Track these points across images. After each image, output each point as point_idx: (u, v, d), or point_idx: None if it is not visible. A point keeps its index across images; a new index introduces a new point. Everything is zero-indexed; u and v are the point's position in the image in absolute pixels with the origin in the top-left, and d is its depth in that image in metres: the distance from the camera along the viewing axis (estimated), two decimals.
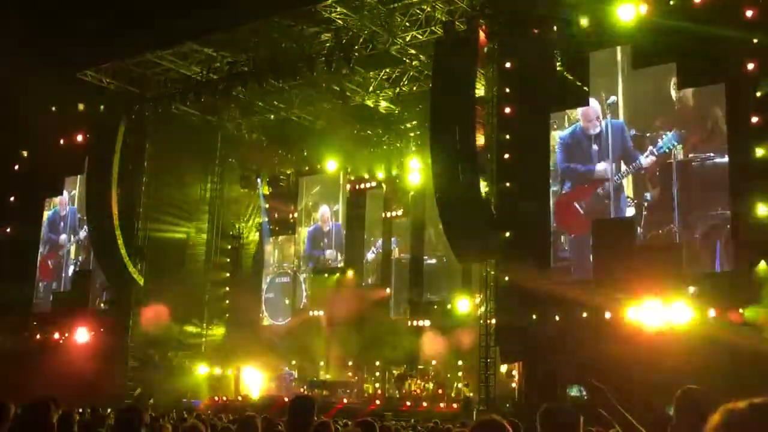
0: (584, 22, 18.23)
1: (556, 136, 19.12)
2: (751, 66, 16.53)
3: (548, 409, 3.78)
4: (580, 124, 18.86)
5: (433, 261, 23.29)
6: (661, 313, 16.09)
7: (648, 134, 17.98)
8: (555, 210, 18.93)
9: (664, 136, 17.62)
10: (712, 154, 17.17)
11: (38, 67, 21.41)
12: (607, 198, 18.24)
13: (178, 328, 25.16)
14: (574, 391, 17.37)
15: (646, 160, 17.78)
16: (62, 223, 28.70)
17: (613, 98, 18.54)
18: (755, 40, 16.11)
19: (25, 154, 28.00)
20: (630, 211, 18.02)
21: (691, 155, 17.49)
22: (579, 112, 18.87)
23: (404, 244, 24.27)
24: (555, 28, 18.83)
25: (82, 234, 27.42)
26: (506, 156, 19.47)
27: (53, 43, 21.52)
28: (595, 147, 18.56)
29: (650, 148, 17.77)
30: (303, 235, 26.42)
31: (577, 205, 18.73)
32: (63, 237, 28.58)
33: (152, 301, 23.98)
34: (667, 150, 17.51)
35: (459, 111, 17.92)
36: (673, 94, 17.77)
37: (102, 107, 24.56)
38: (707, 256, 17.02)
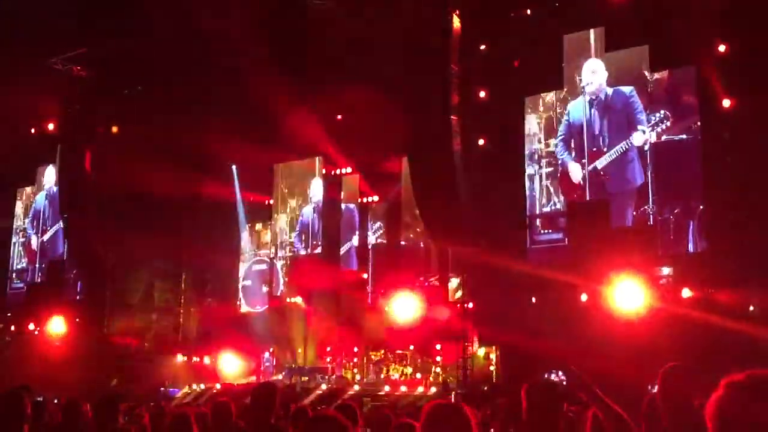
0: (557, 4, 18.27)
1: (568, 107, 19.12)
2: (722, 48, 16.64)
3: (533, 385, 3.81)
4: (585, 96, 18.85)
5: (411, 246, 23.26)
6: (637, 295, 16.21)
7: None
8: (560, 180, 19.02)
9: (656, 114, 17.60)
10: (684, 136, 17.29)
11: (7, 56, 21.09)
12: (607, 174, 18.30)
13: (155, 318, 25.01)
14: (552, 377, 17.48)
15: (637, 139, 17.80)
16: (36, 213, 28.40)
17: (587, 80, 18.60)
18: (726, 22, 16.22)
19: None
20: (640, 179, 17.94)
21: (664, 137, 17.59)
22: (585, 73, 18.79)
23: (381, 228, 24.23)
24: (528, 11, 18.84)
25: (56, 224, 27.17)
26: (481, 140, 19.51)
27: (22, 31, 21.17)
28: (595, 117, 18.53)
29: (641, 126, 17.79)
30: (279, 222, 26.31)
31: (574, 177, 18.74)
32: (34, 227, 28.30)
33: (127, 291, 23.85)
34: (659, 130, 17.55)
35: (434, 94, 17.86)
36: (647, 75, 17.85)
37: (73, 95, 24.25)
38: (681, 238, 17.17)
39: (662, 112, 17.48)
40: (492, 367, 19.18)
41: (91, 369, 22.51)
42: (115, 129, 24.21)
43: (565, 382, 16.05)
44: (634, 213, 17.79)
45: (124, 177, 23.07)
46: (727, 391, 2.10)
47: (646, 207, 17.61)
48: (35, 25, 20.84)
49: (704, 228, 16.77)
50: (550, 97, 19.39)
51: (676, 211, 17.20)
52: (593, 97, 18.69)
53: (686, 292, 16.14)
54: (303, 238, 25.76)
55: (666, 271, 17.44)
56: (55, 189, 27.16)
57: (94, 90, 23.79)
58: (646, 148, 17.77)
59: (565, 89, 19.12)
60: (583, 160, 18.68)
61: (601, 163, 18.30)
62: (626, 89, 18.23)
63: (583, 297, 17.26)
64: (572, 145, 19.01)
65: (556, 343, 16.69)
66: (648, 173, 17.65)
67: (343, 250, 24.72)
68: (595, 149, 18.49)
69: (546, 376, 17.51)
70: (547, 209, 19.28)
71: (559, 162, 19.20)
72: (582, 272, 17.19)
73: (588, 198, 18.57)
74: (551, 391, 3.91)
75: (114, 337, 24.37)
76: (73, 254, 25.40)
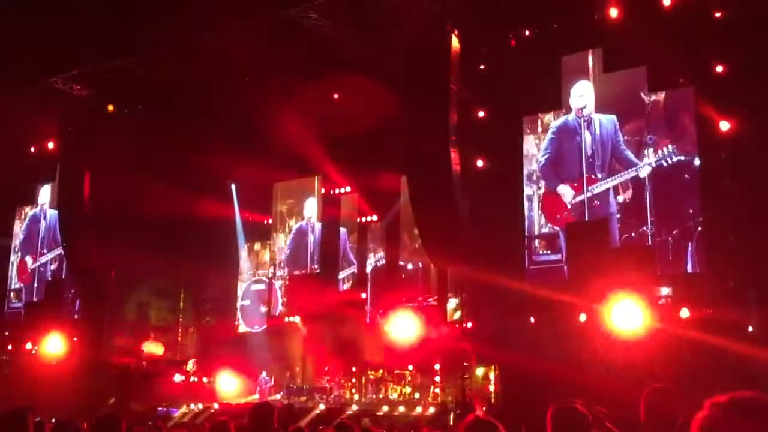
0: (556, 25, 18.42)
1: (550, 126, 19.25)
2: (719, 68, 16.77)
3: (559, 409, 3.80)
4: (572, 116, 18.98)
5: (409, 266, 23.32)
6: (636, 314, 16.25)
7: (634, 139, 18.12)
8: (543, 202, 19.09)
9: (664, 149, 17.65)
10: (683, 158, 17.40)
11: (6, 75, 21.23)
12: (597, 199, 18.39)
13: (152, 336, 25.01)
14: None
15: (643, 170, 17.87)
16: (36, 232, 28.47)
17: (585, 102, 18.73)
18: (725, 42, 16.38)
19: None
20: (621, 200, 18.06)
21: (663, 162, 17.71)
22: (574, 96, 18.94)
23: (379, 248, 24.28)
24: (527, 32, 19.01)
25: (54, 243, 27.22)
26: (479, 162, 19.62)
27: (20, 50, 21.30)
28: (588, 141, 18.66)
29: (647, 158, 17.82)
30: (278, 242, 26.36)
31: (565, 200, 18.86)
32: (31, 246, 28.35)
33: (125, 310, 23.85)
34: (664, 163, 17.62)
35: (433, 113, 17.96)
36: (644, 97, 17.99)
37: (72, 114, 24.35)
38: (680, 258, 17.24)
39: (670, 146, 17.54)
40: (491, 387, 19.18)
41: (89, 388, 22.50)
42: (114, 148, 24.29)
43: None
44: (630, 234, 17.85)
45: (123, 195, 23.18)
46: (710, 411, 2.23)
47: (644, 228, 17.69)
48: (35, 44, 20.99)
49: (703, 248, 16.85)
50: (548, 117, 19.51)
51: (674, 231, 17.28)
52: (584, 120, 18.82)
53: (685, 312, 16.19)
54: (302, 257, 25.79)
55: (665, 291, 17.49)
56: (51, 209, 27.21)
57: (93, 109, 23.90)
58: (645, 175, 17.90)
59: (563, 110, 19.24)
60: (575, 184, 18.77)
61: (597, 189, 18.40)
62: (612, 117, 18.39)
63: (582, 317, 17.29)
64: (560, 166, 19.15)
65: (554, 362, 16.73)
66: (647, 194, 17.74)
67: (342, 275, 24.78)
68: (588, 174, 18.58)
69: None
70: (545, 230, 19.35)
71: (545, 182, 19.32)
72: (580, 292, 17.24)
73: (578, 220, 18.66)
74: (580, 418, 3.91)
75: (112, 356, 24.35)
76: (72, 273, 25.40)
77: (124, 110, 24.10)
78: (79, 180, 23.40)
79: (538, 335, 17.69)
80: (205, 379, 24.56)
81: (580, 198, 18.61)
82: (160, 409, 22.66)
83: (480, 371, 19.56)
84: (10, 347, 26.64)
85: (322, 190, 25.58)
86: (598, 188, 18.40)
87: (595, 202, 18.42)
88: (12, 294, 28.58)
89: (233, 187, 27.02)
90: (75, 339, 24.91)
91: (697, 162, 17.24)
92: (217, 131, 23.18)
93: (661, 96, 17.85)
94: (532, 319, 18.21)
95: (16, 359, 25.64)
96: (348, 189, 24.82)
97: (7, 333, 27.31)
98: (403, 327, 19.93)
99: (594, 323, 16.86)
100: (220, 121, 23.38)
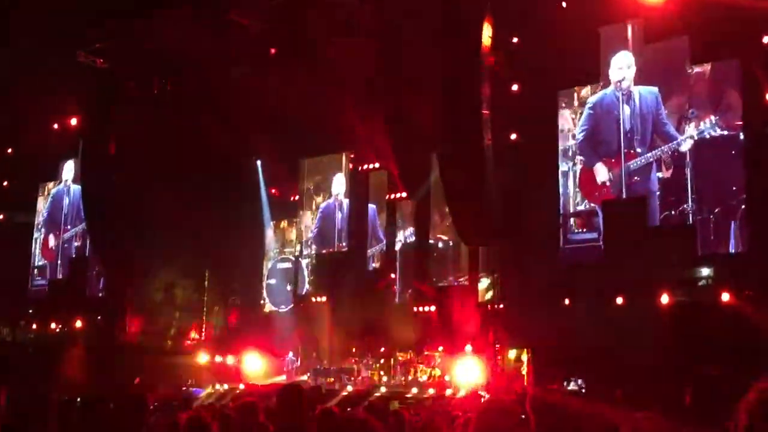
0: None
1: (587, 100, 19.03)
2: (767, 40, 16.42)
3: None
4: (610, 90, 18.73)
5: (440, 244, 23.22)
6: (674, 298, 16.07)
7: (676, 113, 17.85)
8: (580, 178, 18.92)
9: (707, 120, 17.38)
10: (726, 132, 17.09)
11: (31, 49, 21.35)
12: (637, 175, 18.17)
13: (178, 316, 25.20)
14: (572, 385, 17.46)
15: (685, 144, 17.60)
16: (59, 209, 28.75)
17: (625, 74, 18.46)
18: None
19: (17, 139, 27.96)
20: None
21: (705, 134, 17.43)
22: (614, 68, 18.67)
23: (409, 226, 24.18)
24: (564, 3, 18.73)
25: (78, 219, 27.48)
26: (513, 136, 19.43)
27: (45, 24, 21.41)
28: (627, 115, 18.42)
29: (688, 131, 17.56)
30: (305, 220, 26.38)
31: (603, 177, 18.65)
32: (54, 222, 28.67)
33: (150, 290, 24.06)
34: (707, 136, 17.34)
35: (465, 87, 17.80)
36: (687, 69, 17.67)
37: (95, 89, 24.46)
38: (722, 238, 16.99)
39: (713, 118, 17.24)
40: (524, 370, 19.10)
41: (113, 368, 22.76)
42: (136, 123, 24.38)
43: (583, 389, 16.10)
44: (669, 213, 17.62)
45: (146, 172, 23.31)
46: (757, 395, 2.47)
47: (685, 206, 17.44)
48: (58, 17, 21.07)
49: (747, 227, 16.57)
50: (585, 91, 19.27)
51: (716, 210, 17.00)
52: (624, 93, 18.56)
53: (726, 295, 15.97)
54: (326, 236, 25.80)
55: (705, 272, 17.27)
56: (75, 183, 27.44)
57: (116, 82, 23.99)
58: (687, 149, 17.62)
59: (601, 83, 18.98)
60: (612, 160, 18.55)
61: (635, 165, 18.16)
62: (653, 89, 18.10)
63: (619, 300, 17.15)
64: (597, 142, 18.95)
65: (589, 346, 16.63)
66: (687, 170, 17.48)
67: (370, 252, 24.76)
68: (626, 150, 18.35)
69: (564, 383, 17.48)
70: (581, 207, 19.17)
71: (581, 159, 19.12)
72: (617, 273, 17.09)
73: (616, 197, 18.45)
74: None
75: (137, 335, 24.60)
76: (97, 250, 25.63)
77: (147, 84, 24.15)
78: (102, 156, 23.58)
79: (572, 317, 17.59)
80: (230, 359, 24.71)
81: (618, 174, 18.39)
82: (183, 389, 22.87)
83: (512, 353, 19.48)
84: (34, 326, 27.02)
85: (351, 167, 25.52)
86: (637, 164, 18.15)
87: (635, 178, 18.18)
88: (36, 271, 28.92)
89: (258, 163, 27.02)
90: (99, 318, 25.20)
91: (741, 137, 16.92)
92: (244, 105, 23.17)
93: (705, 68, 17.50)
94: (567, 301, 18.09)
95: (40, 338, 25.97)
96: (377, 165, 24.70)
97: (30, 311, 27.69)
98: (434, 308, 19.86)
99: (631, 305, 16.73)
100: (248, 95, 23.35)
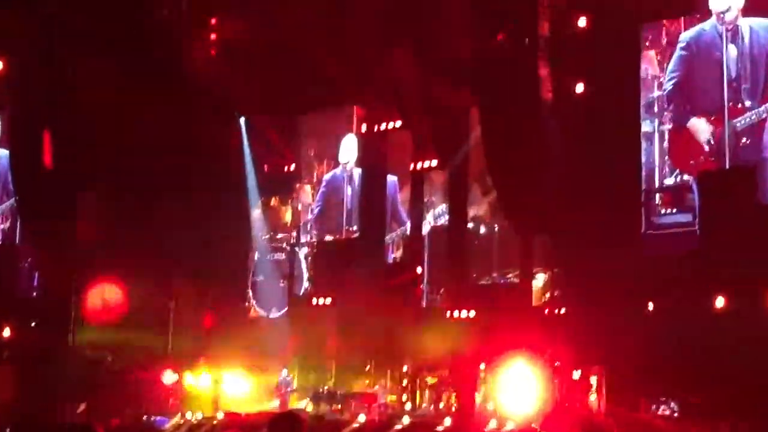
0: None
1: (679, 38, 19.04)
2: None
3: None
4: (710, 24, 18.68)
5: (481, 229, 23.26)
6: None
7: None
8: (670, 141, 18.91)
9: None
10: None
11: None
12: (746, 136, 18.13)
13: (137, 320, 25.33)
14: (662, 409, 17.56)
15: None
16: None
17: (730, 3, 18.37)
18: None
19: None
20: None
21: None
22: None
23: (440, 204, 24.19)
24: None
25: (6, 197, 27.64)
26: (579, 86, 19.39)
27: None
28: (733, 57, 18.35)
29: None
30: (303, 196, 26.42)
31: (700, 138, 18.62)
32: None
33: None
34: None
35: (516, 21, 17.80)
36: None
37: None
38: None
39: None
40: (592, 396, 19.13)
41: (54, 389, 22.92)
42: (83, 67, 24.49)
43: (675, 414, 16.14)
44: None
45: (95, 130, 23.38)
46: None
47: None
48: None
49: None
50: (676, 26, 19.20)
51: None
52: (729, 28, 18.46)
53: None
54: (331, 217, 25.86)
55: None
56: (2, 148, 27.57)
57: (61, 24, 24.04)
58: None
59: (698, 15, 18.89)
60: (712, 117, 18.48)
61: (743, 123, 18.09)
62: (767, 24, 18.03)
63: (719, 302, 17.15)
64: (693, 93, 18.88)
65: (679, 364, 16.64)
66: None
67: (389, 238, 24.80)
68: (731, 103, 18.27)
69: (653, 407, 17.55)
70: (670, 181, 19.13)
71: (670, 116, 19.08)
72: (718, 266, 17.07)
73: (718, 166, 18.41)
74: None
75: (83, 348, 24.72)
76: (29, 237, 25.82)
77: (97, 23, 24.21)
78: (38, 110, 23.65)
79: (657, 326, 17.62)
80: (205, 380, 24.86)
81: (720, 136, 18.31)
82: (144, 418, 23.02)
83: (576, 374, 19.52)
84: None
85: (364, 126, 25.51)
86: (746, 121, 18.08)
87: (744, 140, 18.12)
88: None
89: (242, 120, 27.05)
90: (32, 324, 25.37)
91: None
92: (220, 43, 23.22)
93: None
94: (651, 305, 18.10)
95: None
96: (398, 124, 24.70)
97: None
98: (474, 312, 19.89)
99: (735, 309, 16.72)
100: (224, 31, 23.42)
